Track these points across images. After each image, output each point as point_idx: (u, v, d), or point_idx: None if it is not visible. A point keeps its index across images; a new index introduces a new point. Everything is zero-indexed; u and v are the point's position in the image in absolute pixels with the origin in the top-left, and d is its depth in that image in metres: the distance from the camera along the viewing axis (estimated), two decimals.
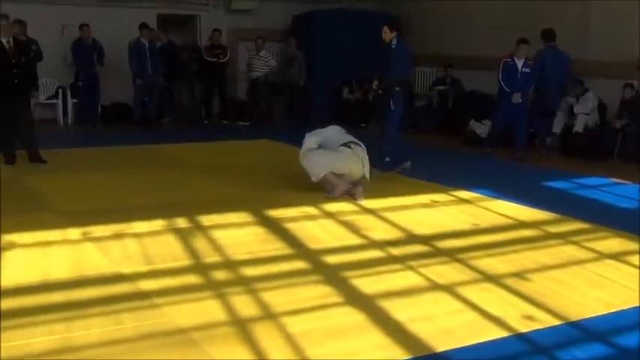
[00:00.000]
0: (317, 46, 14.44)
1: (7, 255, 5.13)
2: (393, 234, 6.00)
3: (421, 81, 15.05)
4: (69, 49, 12.82)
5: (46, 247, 5.43)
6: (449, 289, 4.63)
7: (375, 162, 7.89)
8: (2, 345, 3.60)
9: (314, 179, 7.17)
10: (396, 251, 5.47)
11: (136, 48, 12.80)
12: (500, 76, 10.20)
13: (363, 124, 13.62)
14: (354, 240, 5.80)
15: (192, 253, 5.28)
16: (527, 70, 10.19)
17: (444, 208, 7.05)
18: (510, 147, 10.42)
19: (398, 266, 5.13)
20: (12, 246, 5.32)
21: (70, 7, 13.23)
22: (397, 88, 8.27)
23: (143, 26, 12.88)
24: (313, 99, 14.37)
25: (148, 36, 12.97)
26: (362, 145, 7.43)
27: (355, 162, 7.28)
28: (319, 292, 4.53)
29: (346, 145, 7.33)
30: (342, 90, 14.46)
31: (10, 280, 4.58)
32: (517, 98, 10.05)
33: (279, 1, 14.95)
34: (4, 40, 8.41)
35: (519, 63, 10.18)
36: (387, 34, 8.32)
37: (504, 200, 7.32)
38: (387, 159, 8.27)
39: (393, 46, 8.19)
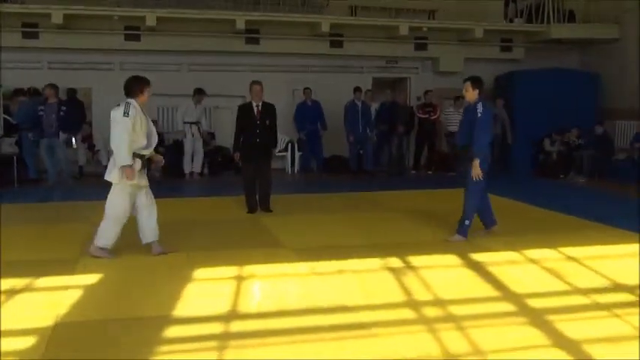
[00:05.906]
0: (518, 103, 14.13)
1: (246, 284, 5.48)
2: (596, 282, 5.62)
3: (621, 134, 14.13)
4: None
5: (281, 278, 5.73)
6: None
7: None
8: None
9: None
10: (600, 299, 5.12)
11: (350, 109, 13.33)
12: None
13: (562, 175, 13.07)
14: (557, 286, 5.51)
15: (405, 290, 5.30)
16: None
17: None
18: None
19: (603, 313, 4.79)
20: (252, 277, 5.67)
21: (300, 74, 14.14)
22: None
23: (356, 89, 13.40)
24: (515, 152, 14.12)
25: (361, 98, 13.41)
26: None
27: None
28: (526, 333, 4.35)
29: None
30: (544, 143, 13.79)
31: (248, 307, 4.88)
32: None
33: (483, 62, 14.79)
34: (254, 104, 8.71)
35: None
36: (470, 94, 6.86)
37: None
38: (467, 222, 7.09)
39: (479, 114, 6.71)
